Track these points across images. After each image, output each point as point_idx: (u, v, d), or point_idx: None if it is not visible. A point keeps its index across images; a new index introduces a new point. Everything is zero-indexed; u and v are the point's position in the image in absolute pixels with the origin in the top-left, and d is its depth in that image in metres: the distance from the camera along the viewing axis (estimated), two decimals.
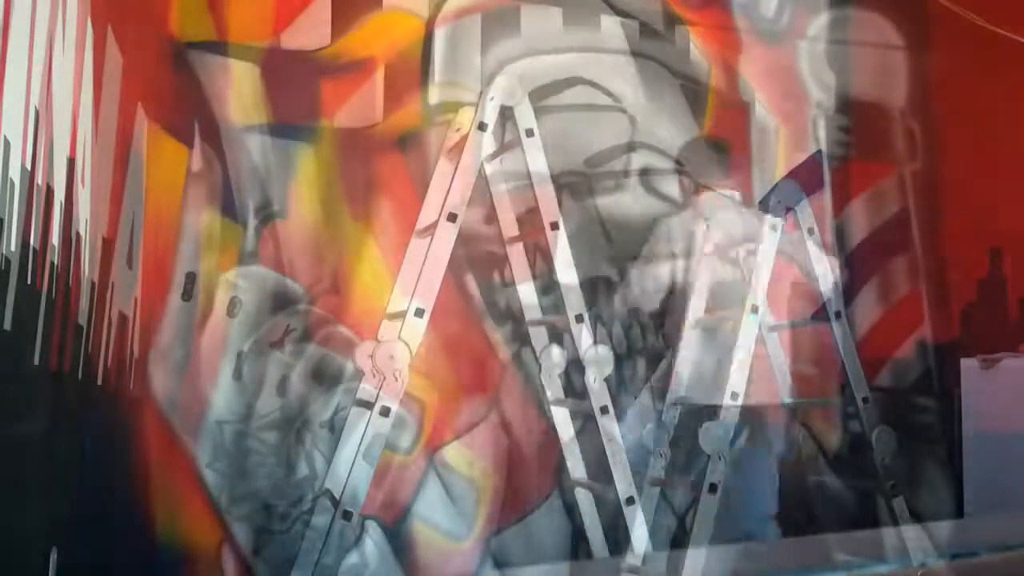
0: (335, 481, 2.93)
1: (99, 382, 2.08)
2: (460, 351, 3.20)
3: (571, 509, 3.21)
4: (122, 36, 2.13)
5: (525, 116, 2.84)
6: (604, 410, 2.96)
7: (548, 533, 3.19)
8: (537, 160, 2.85)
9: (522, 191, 3.30)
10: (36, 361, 1.53)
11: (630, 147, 3.47)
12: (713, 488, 2.79)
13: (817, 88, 3.81)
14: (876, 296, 3.69)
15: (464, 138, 2.92)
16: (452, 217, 2.71)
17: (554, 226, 3.05)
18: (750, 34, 3.76)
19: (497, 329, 3.23)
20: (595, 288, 3.31)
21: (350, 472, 2.79)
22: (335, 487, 2.92)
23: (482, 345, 3.22)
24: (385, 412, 2.58)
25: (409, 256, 3.02)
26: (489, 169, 3.14)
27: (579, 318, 3.04)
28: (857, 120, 3.82)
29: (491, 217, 3.29)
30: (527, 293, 3.16)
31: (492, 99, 2.78)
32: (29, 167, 1.43)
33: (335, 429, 3.04)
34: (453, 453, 3.13)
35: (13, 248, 1.36)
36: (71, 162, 1.70)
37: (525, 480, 3.16)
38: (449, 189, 2.82)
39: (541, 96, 3.47)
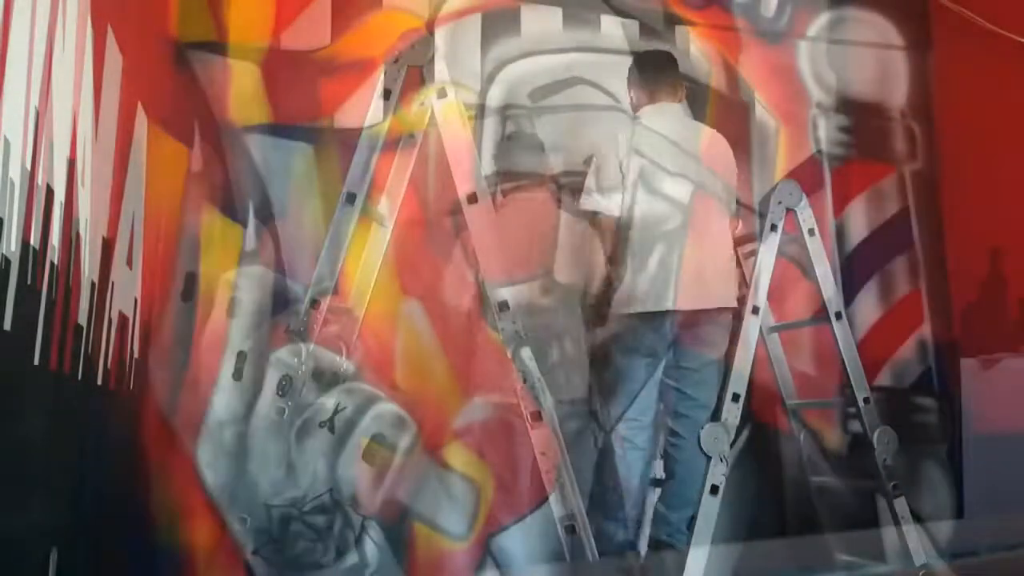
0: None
1: (99, 382, 2.08)
2: (460, 350, 3.20)
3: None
4: (122, 36, 2.13)
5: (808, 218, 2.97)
6: (536, 416, 2.92)
7: (548, 533, 3.18)
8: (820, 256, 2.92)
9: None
10: (36, 361, 1.53)
11: None
12: (715, 490, 2.78)
13: (817, 88, 3.81)
14: (876, 296, 3.69)
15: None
16: (755, 310, 2.86)
17: (472, 199, 3.02)
18: (750, 34, 3.76)
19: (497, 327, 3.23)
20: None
21: None
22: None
23: (482, 343, 3.22)
24: (715, 491, 2.76)
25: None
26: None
27: (503, 306, 3.01)
28: (857, 120, 3.82)
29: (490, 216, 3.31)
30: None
31: (780, 203, 2.98)
32: (29, 167, 1.43)
33: (334, 429, 3.05)
34: (453, 452, 3.13)
35: (13, 248, 1.36)
36: (71, 162, 1.69)
37: (524, 479, 3.16)
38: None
39: (541, 96, 3.47)
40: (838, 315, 2.95)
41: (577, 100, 3.49)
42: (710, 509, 2.76)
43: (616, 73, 3.51)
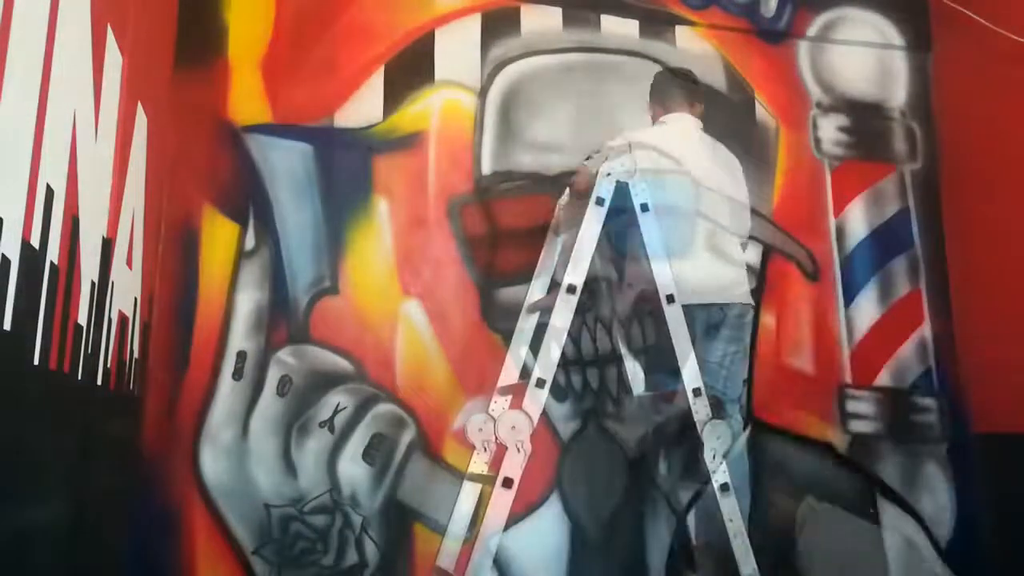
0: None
1: (99, 382, 2.08)
2: (461, 350, 3.20)
3: (571, 508, 3.21)
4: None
5: (641, 192, 2.79)
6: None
7: (548, 533, 3.19)
8: (652, 234, 2.81)
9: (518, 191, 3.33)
10: (36, 361, 1.53)
11: (630, 147, 3.46)
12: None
13: (817, 88, 3.81)
14: (876, 296, 3.69)
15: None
16: (572, 289, 2.69)
17: None
18: (750, 34, 3.76)
19: (498, 327, 3.23)
20: (595, 288, 3.30)
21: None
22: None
23: (483, 344, 3.22)
24: (508, 483, 2.55)
25: (520, 328, 3.03)
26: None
27: None
28: (857, 120, 3.82)
29: (492, 216, 3.32)
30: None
31: (609, 175, 2.77)
32: (29, 166, 1.43)
33: (334, 429, 3.05)
34: (452, 452, 3.13)
35: (13, 248, 1.36)
36: (72, 162, 1.69)
37: (526, 478, 3.16)
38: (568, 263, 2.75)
39: (540, 97, 3.48)
40: (670, 298, 2.78)
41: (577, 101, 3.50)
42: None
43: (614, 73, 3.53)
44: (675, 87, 3.15)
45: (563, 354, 2.99)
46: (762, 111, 3.71)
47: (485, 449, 2.84)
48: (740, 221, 3.07)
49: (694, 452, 2.78)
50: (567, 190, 3.05)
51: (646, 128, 3.08)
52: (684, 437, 2.90)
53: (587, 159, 2.99)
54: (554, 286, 2.95)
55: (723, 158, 3.11)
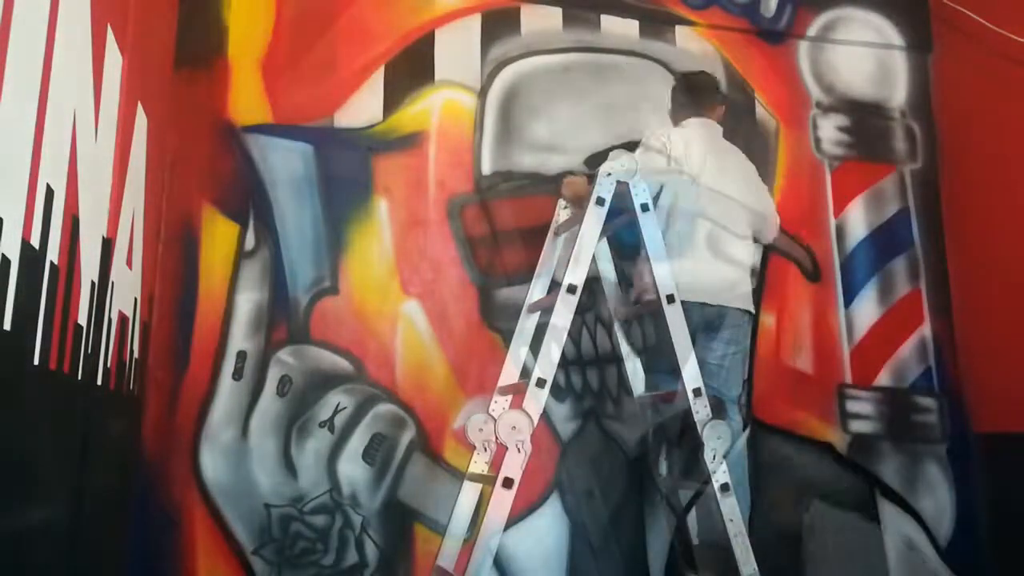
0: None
1: (99, 382, 2.08)
2: (461, 350, 3.21)
3: (571, 507, 3.21)
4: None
5: (641, 192, 2.79)
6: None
7: (548, 533, 3.19)
8: (652, 234, 2.80)
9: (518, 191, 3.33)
10: (36, 361, 1.53)
11: (630, 147, 3.46)
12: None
13: (817, 88, 3.81)
14: (876, 296, 3.69)
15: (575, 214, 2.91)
16: (572, 289, 2.67)
17: None
18: (750, 34, 3.76)
19: (498, 327, 3.23)
20: (595, 288, 3.31)
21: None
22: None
23: (483, 344, 3.22)
24: (508, 484, 2.53)
25: (520, 328, 3.01)
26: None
27: None
28: (857, 120, 3.82)
29: (492, 216, 3.32)
30: None
31: (609, 175, 2.76)
32: (29, 166, 1.43)
33: (334, 429, 3.05)
34: (452, 452, 3.13)
35: (13, 248, 1.36)
36: (72, 161, 1.69)
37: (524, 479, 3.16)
38: (568, 263, 2.71)
39: (540, 97, 3.48)
40: (670, 298, 2.78)
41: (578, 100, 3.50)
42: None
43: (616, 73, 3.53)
44: (688, 96, 3.18)
45: (563, 354, 2.98)
46: (762, 111, 3.71)
47: (485, 449, 2.84)
48: (754, 219, 3.10)
49: (694, 452, 2.78)
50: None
51: (663, 128, 3.12)
52: (684, 437, 2.90)
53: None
54: (554, 286, 2.95)
55: (738, 163, 3.13)
